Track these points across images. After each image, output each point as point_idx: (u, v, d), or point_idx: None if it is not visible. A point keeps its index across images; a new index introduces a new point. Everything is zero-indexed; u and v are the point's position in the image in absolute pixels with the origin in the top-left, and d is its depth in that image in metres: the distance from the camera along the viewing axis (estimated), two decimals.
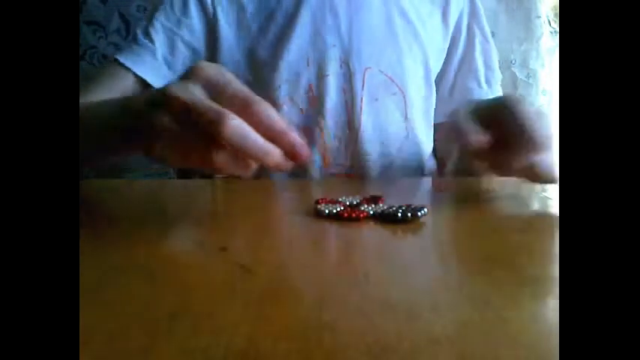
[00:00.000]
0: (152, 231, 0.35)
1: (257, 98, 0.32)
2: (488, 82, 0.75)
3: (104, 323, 0.20)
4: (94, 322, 0.20)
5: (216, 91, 0.32)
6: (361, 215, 0.36)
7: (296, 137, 0.32)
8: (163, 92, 0.31)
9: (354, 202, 0.39)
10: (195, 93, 0.31)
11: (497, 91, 0.75)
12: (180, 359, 0.17)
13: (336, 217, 0.36)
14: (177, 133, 0.31)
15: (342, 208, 0.37)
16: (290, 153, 0.32)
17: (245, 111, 0.31)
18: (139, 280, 0.25)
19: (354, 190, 0.39)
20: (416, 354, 0.17)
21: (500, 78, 0.77)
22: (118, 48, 1.45)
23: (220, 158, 0.31)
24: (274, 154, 0.32)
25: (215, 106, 0.30)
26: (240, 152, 0.31)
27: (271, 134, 0.32)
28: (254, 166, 0.33)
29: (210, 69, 0.33)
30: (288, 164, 0.33)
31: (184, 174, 1.04)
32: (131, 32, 1.46)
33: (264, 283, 0.24)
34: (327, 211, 0.37)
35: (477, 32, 0.75)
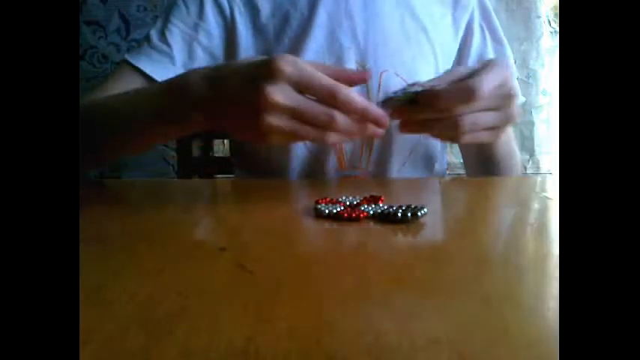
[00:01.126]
0: (152, 231, 0.35)
1: (338, 88, 0.38)
2: None
3: (104, 323, 0.20)
4: (94, 322, 0.20)
5: (303, 87, 0.38)
6: (361, 215, 0.36)
7: (375, 110, 0.40)
8: (263, 97, 0.37)
9: (354, 202, 0.39)
10: (294, 95, 0.38)
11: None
12: (180, 359, 0.17)
13: (336, 218, 0.36)
14: (289, 126, 0.38)
15: (341, 208, 0.37)
16: (375, 122, 0.40)
17: (334, 101, 0.38)
18: (139, 280, 0.25)
19: (355, 190, 0.39)
20: (416, 354, 0.17)
21: (516, 76, 0.76)
22: (119, 48, 1.45)
23: (334, 137, 0.40)
24: (367, 130, 0.40)
25: (322, 109, 0.38)
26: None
27: (357, 113, 0.39)
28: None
29: (288, 67, 0.37)
30: (378, 131, 0.41)
31: (184, 174, 1.04)
32: (131, 32, 1.46)
33: (264, 283, 0.24)
34: (326, 211, 0.37)
35: (489, 34, 0.75)
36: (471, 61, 0.74)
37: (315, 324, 0.19)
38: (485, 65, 0.45)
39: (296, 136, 0.39)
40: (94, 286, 0.24)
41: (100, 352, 0.17)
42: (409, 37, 0.69)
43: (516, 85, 0.46)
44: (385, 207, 0.37)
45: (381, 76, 0.67)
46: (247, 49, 0.67)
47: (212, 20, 0.67)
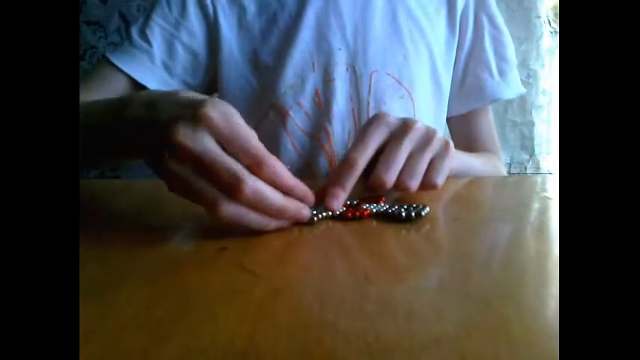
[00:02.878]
0: (152, 231, 0.35)
1: (267, 156, 0.31)
2: (501, 72, 0.72)
3: (104, 323, 0.20)
4: (94, 323, 0.20)
5: (226, 142, 0.30)
6: (365, 213, 0.36)
7: (304, 189, 0.33)
8: (170, 135, 0.29)
9: (354, 203, 0.39)
10: (206, 143, 0.30)
11: (512, 81, 0.73)
12: (180, 359, 0.17)
13: (339, 217, 0.36)
14: (186, 176, 0.30)
15: (344, 208, 0.37)
16: (300, 200, 0.33)
17: (257, 169, 0.30)
18: (139, 280, 0.25)
19: (354, 189, 0.39)
20: (416, 354, 0.17)
21: (516, 65, 0.74)
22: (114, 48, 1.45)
23: (231, 210, 0.30)
24: (289, 208, 0.32)
25: (231, 165, 0.29)
26: (257, 210, 0.31)
27: (282, 189, 0.32)
28: (272, 222, 0.32)
29: (218, 115, 0.30)
30: (303, 215, 0.33)
31: None
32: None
33: (264, 283, 0.24)
34: (329, 212, 0.36)
35: (486, 22, 0.72)
36: (466, 50, 0.73)
37: (315, 324, 0.19)
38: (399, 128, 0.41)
39: (191, 192, 0.30)
40: (94, 286, 0.24)
41: (100, 352, 0.17)
42: (402, 35, 0.68)
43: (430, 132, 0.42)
44: (387, 206, 0.37)
45: (371, 76, 0.66)
46: (231, 48, 0.66)
47: (194, 19, 0.66)
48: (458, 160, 0.59)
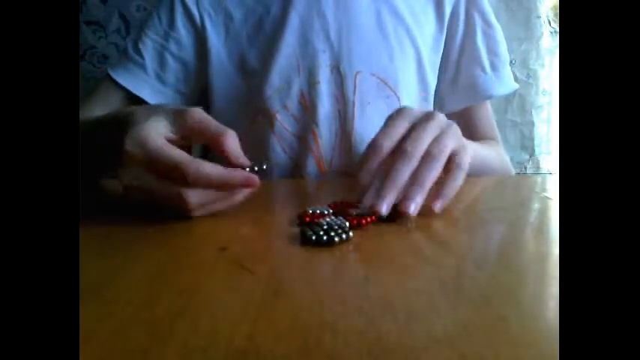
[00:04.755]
0: (152, 231, 0.35)
1: (187, 165, 0.34)
2: (494, 67, 0.72)
3: (104, 323, 0.20)
4: (94, 322, 0.20)
5: (153, 168, 0.35)
6: (369, 220, 0.35)
7: (239, 174, 0.36)
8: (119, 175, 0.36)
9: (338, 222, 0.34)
10: (142, 177, 0.36)
11: (505, 76, 0.73)
12: (180, 359, 0.17)
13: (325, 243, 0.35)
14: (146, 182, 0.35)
15: (331, 209, 0.37)
16: (244, 185, 0.36)
17: (187, 181, 0.34)
18: (139, 280, 0.25)
19: (340, 190, 0.38)
20: (416, 354, 0.17)
21: (508, 61, 0.74)
22: (119, 48, 1.45)
23: (196, 196, 0.35)
24: (236, 177, 0.35)
25: (166, 189, 0.35)
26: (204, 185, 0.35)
27: (218, 186, 0.36)
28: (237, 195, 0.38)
29: (133, 149, 0.35)
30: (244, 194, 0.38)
31: None
32: (130, 33, 1.46)
33: (264, 283, 0.24)
34: (314, 237, 0.31)
35: (477, 18, 0.72)
36: (457, 47, 0.72)
37: (315, 324, 0.19)
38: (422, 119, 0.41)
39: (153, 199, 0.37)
40: (94, 285, 0.24)
41: (100, 352, 0.17)
42: (387, 34, 0.67)
43: (450, 143, 0.40)
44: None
45: (355, 77, 0.66)
46: (219, 55, 0.68)
47: (182, 29, 0.68)
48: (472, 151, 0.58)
